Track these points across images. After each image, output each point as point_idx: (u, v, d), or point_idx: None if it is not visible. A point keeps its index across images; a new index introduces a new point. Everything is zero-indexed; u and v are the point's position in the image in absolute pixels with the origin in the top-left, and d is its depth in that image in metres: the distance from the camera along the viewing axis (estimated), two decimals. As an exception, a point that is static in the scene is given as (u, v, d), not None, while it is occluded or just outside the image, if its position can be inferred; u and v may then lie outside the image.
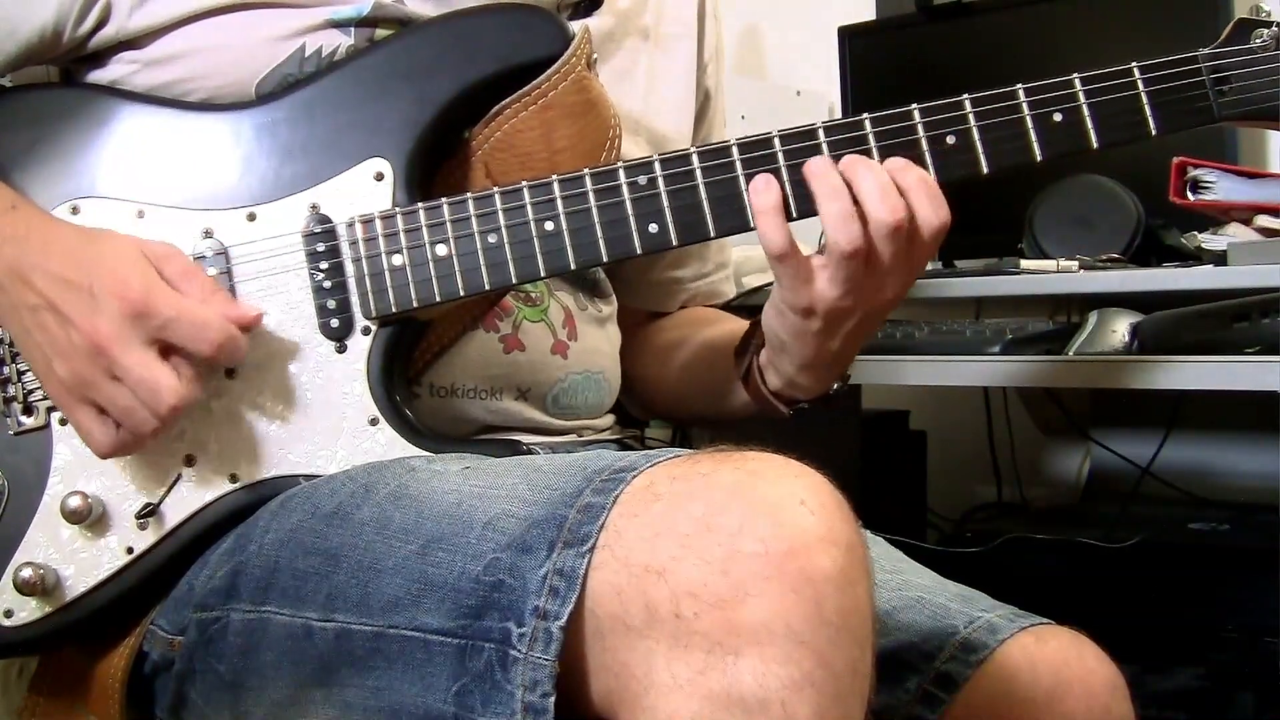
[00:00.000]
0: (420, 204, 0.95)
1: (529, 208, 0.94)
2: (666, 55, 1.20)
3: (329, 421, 0.95)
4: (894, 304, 0.97)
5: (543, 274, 0.95)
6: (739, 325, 1.13)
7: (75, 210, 0.97)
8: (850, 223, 0.90)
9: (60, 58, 1.04)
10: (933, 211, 0.92)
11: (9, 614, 0.95)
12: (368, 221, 0.96)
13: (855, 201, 0.91)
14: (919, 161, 0.93)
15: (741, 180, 0.93)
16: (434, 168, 0.99)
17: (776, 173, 0.93)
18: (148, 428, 0.89)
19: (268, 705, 0.87)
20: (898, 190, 0.91)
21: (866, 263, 0.92)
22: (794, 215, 0.93)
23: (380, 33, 1.01)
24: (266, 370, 0.95)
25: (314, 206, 0.96)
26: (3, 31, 0.99)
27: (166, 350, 0.89)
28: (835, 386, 1.08)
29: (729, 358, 1.11)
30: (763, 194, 0.92)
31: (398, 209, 0.96)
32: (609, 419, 1.14)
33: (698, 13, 1.23)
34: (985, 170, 0.94)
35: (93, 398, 0.90)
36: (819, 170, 0.92)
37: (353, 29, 1.01)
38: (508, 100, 0.99)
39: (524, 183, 0.95)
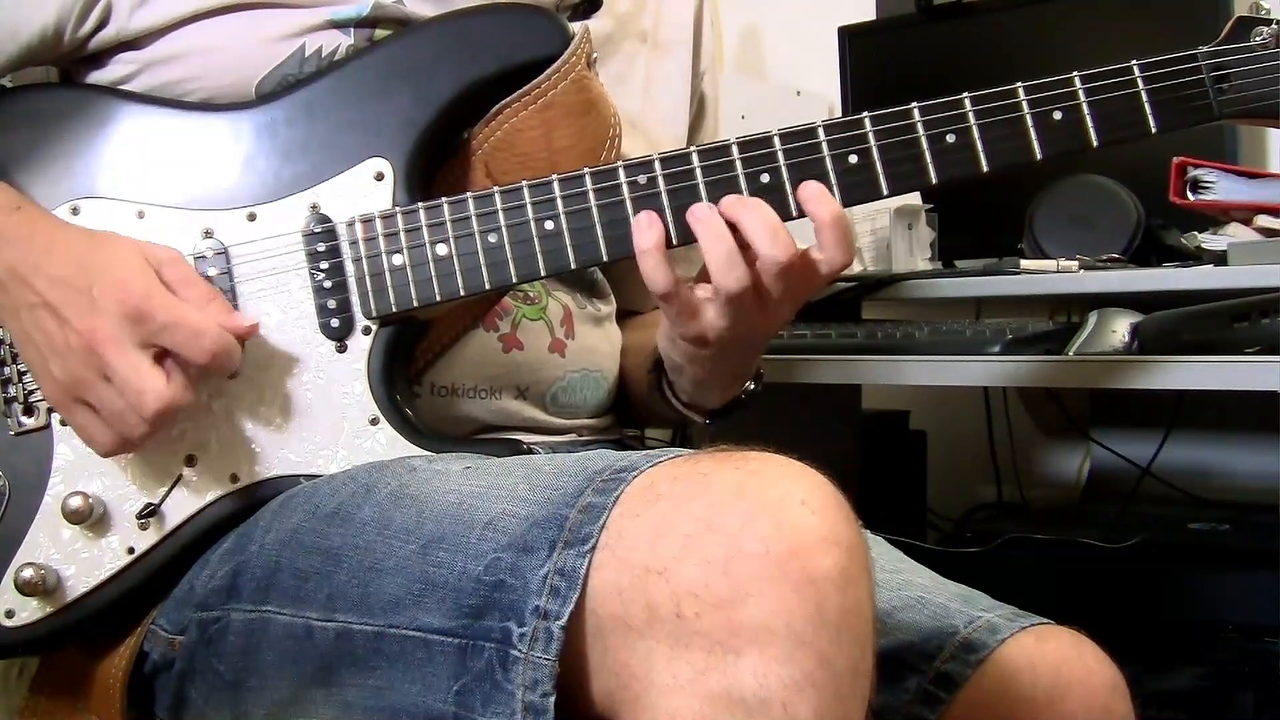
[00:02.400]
0: (420, 203, 0.95)
1: (529, 207, 0.94)
2: (664, 60, 1.20)
3: (330, 421, 0.95)
4: (788, 321, 0.97)
5: (543, 273, 0.95)
6: None
7: (75, 210, 0.97)
8: (735, 266, 0.90)
9: (60, 59, 1.04)
10: (839, 252, 0.91)
11: (10, 614, 0.95)
12: (368, 221, 0.96)
13: (743, 245, 0.90)
14: (918, 160, 0.93)
15: (742, 179, 0.93)
16: (434, 167, 0.99)
17: (775, 171, 0.93)
18: (137, 432, 0.89)
19: (268, 705, 0.87)
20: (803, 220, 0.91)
21: (757, 297, 0.92)
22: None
23: (380, 33, 1.01)
24: (267, 370, 0.95)
25: (314, 206, 0.96)
26: (4, 33, 1.00)
27: (161, 355, 0.89)
28: (750, 387, 1.09)
29: (647, 375, 1.12)
30: (645, 232, 0.91)
31: (398, 209, 0.96)
32: (609, 418, 1.14)
33: (695, 18, 1.23)
34: (985, 169, 0.94)
35: (86, 398, 0.90)
36: (702, 215, 0.91)
37: (353, 29, 1.01)
38: (508, 100, 0.99)
39: (524, 182, 0.95)
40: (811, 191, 0.91)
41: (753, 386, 1.09)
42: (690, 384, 1.06)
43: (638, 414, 1.19)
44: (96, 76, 1.03)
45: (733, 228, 0.90)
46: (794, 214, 0.93)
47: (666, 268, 0.91)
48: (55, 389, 0.91)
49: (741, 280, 0.90)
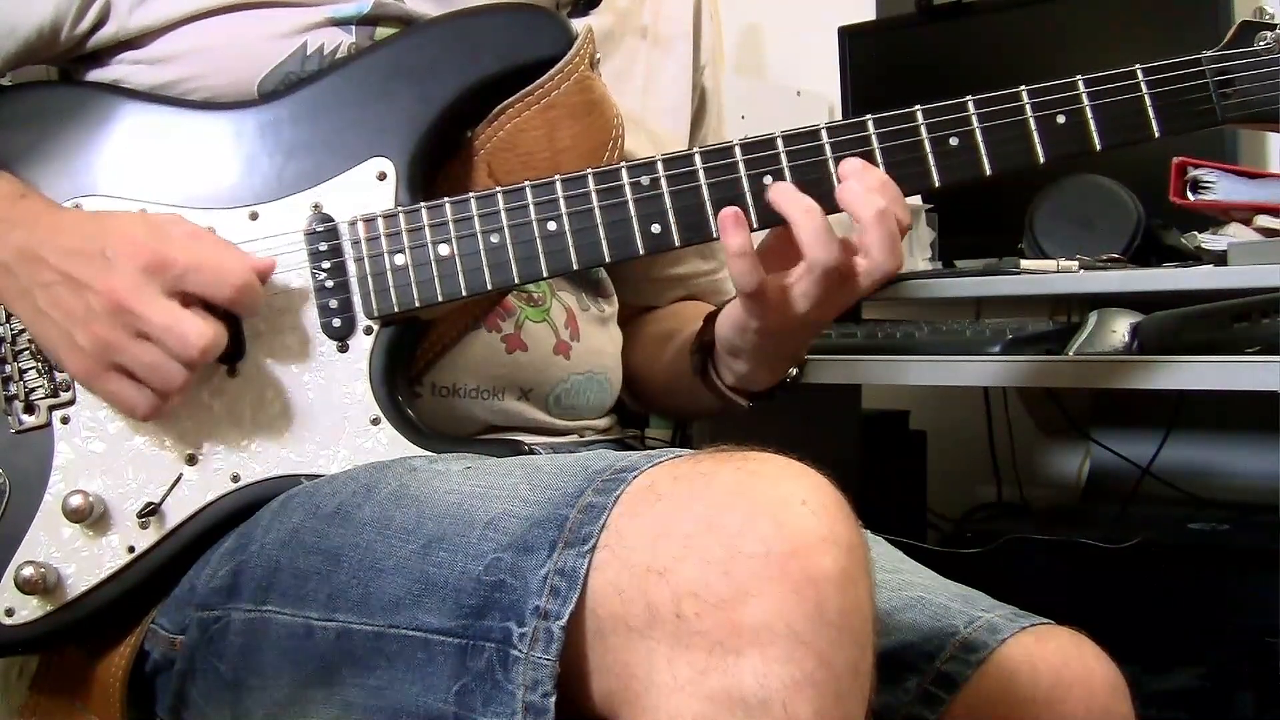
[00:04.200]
0: (423, 203, 0.95)
1: (531, 207, 0.94)
2: (664, 55, 1.20)
3: (331, 421, 0.95)
4: (851, 303, 0.98)
5: (545, 274, 0.95)
6: None
7: (77, 208, 0.97)
8: (830, 239, 0.91)
9: (59, 57, 1.04)
10: (901, 211, 0.92)
11: (10, 613, 0.95)
12: (370, 221, 0.96)
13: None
14: (922, 163, 0.93)
15: (745, 181, 0.93)
16: (436, 167, 0.99)
17: (778, 173, 0.93)
18: (177, 380, 0.89)
19: (268, 704, 0.87)
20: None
21: (842, 276, 0.93)
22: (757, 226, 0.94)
23: (381, 31, 1.01)
24: (268, 370, 0.95)
25: (316, 206, 0.96)
26: (2, 30, 1.00)
27: (186, 301, 0.89)
28: (793, 372, 1.10)
29: (689, 357, 1.12)
30: (734, 235, 0.92)
31: (400, 208, 0.96)
32: (610, 419, 1.15)
33: (694, 12, 1.23)
34: (988, 172, 0.94)
35: (118, 361, 0.90)
36: (788, 193, 0.92)
37: (354, 27, 1.01)
38: (510, 100, 0.99)
39: (527, 182, 0.95)
40: (855, 165, 0.92)
41: (795, 371, 1.10)
42: (746, 366, 1.06)
43: (658, 405, 1.19)
44: (97, 75, 1.03)
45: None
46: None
47: (758, 268, 0.92)
48: (83, 360, 0.91)
49: (833, 254, 0.91)
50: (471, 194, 0.95)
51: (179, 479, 0.95)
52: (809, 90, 2.21)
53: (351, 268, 0.96)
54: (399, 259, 0.95)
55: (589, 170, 0.94)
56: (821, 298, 0.94)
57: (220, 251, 0.92)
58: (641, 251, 0.94)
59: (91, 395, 0.96)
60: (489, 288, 0.95)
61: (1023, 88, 0.94)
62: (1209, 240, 1.49)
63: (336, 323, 0.95)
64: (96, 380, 0.91)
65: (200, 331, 0.88)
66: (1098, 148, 0.94)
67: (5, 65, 1.02)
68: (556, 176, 0.95)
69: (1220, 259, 1.42)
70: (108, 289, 0.88)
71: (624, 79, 1.15)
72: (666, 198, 0.94)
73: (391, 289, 0.95)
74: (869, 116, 0.94)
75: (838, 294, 0.94)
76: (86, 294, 0.89)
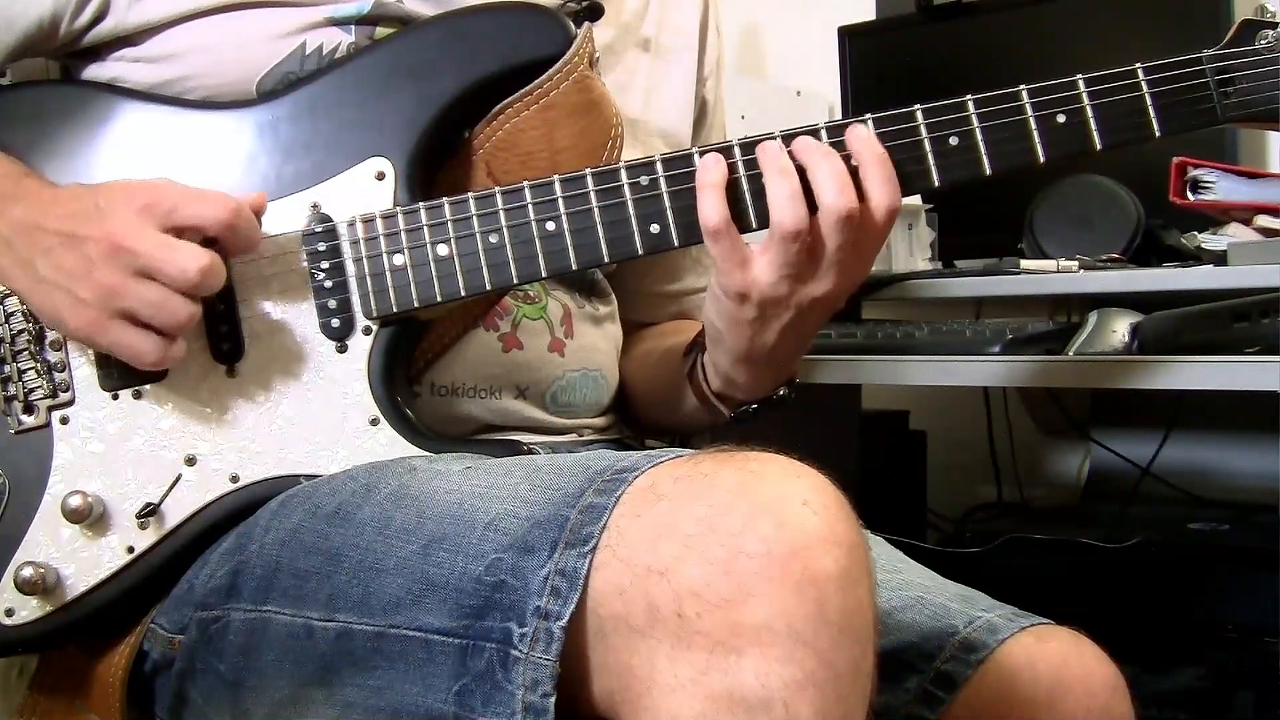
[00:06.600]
0: (421, 203, 0.95)
1: (530, 207, 0.94)
2: (667, 66, 1.20)
3: (330, 421, 0.95)
4: (838, 300, 0.96)
5: (544, 274, 0.95)
6: None
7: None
8: (796, 204, 0.90)
9: (57, 51, 1.04)
10: (886, 194, 0.91)
11: (10, 613, 0.95)
12: (369, 221, 0.95)
13: (806, 187, 0.90)
14: (921, 162, 0.93)
15: (743, 181, 0.93)
16: (435, 167, 0.99)
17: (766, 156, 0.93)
18: (183, 314, 0.89)
19: (268, 704, 0.87)
20: (852, 170, 0.91)
21: (810, 250, 0.91)
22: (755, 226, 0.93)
23: (381, 31, 1.01)
24: (267, 370, 0.95)
25: (315, 206, 0.96)
26: (0, 23, 1.00)
27: (181, 236, 0.89)
28: (781, 391, 1.08)
29: (680, 359, 1.11)
30: (710, 170, 0.92)
31: (399, 208, 0.95)
32: (608, 418, 1.14)
33: (700, 24, 1.22)
34: (988, 171, 0.94)
35: (122, 307, 0.89)
36: (770, 151, 0.92)
37: (353, 27, 1.01)
38: (509, 99, 0.99)
39: (525, 182, 0.95)
40: (860, 134, 0.92)
41: (784, 391, 1.08)
42: (728, 358, 1.03)
43: (647, 417, 1.18)
44: (95, 72, 1.03)
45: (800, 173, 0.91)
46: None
47: (723, 204, 0.91)
48: (87, 315, 0.90)
49: (800, 220, 0.90)
50: (470, 194, 0.95)
51: (178, 479, 0.95)
52: (809, 90, 2.21)
53: (350, 268, 0.96)
54: (398, 259, 0.95)
55: (587, 170, 0.94)
56: (782, 276, 0.92)
57: (211, 189, 0.92)
58: (640, 251, 0.94)
59: (91, 395, 0.96)
60: (487, 288, 0.95)
61: (1022, 87, 0.93)
62: (1209, 240, 1.49)
63: (335, 323, 0.95)
64: (102, 333, 0.90)
65: (197, 257, 0.88)
66: (1098, 147, 0.94)
67: (4, 59, 1.02)
68: (555, 176, 0.94)
69: (1220, 259, 1.42)
70: (104, 234, 0.88)
71: (624, 92, 1.14)
72: (665, 198, 0.94)
73: (390, 289, 0.95)
74: (869, 116, 0.93)
75: (805, 277, 0.93)
76: (85, 245, 0.89)
